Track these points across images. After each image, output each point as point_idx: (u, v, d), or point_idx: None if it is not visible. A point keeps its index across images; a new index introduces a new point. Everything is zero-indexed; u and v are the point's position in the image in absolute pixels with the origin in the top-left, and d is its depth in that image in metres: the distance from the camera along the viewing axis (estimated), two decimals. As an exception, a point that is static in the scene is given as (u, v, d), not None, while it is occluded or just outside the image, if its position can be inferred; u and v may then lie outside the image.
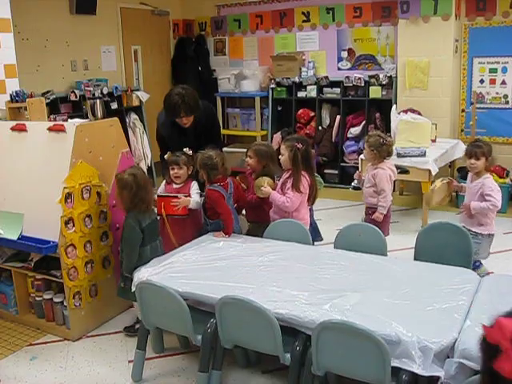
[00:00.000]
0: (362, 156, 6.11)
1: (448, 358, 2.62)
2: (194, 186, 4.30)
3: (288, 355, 2.91)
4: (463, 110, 7.54)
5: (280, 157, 4.27)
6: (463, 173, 7.02)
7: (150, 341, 3.64)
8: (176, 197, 4.15)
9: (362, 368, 2.68)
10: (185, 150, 4.31)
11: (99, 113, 6.91)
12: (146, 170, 7.48)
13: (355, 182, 4.99)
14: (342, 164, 8.12)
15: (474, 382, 2.29)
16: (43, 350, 3.88)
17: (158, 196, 4.23)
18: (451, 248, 3.71)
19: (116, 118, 4.45)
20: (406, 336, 2.64)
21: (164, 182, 4.44)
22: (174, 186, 4.32)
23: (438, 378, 2.59)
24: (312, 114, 8.35)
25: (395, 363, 2.62)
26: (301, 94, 8.37)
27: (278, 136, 8.25)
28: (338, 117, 8.09)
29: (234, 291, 3.09)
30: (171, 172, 4.29)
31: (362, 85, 7.86)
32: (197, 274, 3.43)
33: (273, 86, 8.52)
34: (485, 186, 4.32)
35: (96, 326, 4.16)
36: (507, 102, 7.27)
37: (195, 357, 3.58)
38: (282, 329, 2.87)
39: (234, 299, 2.95)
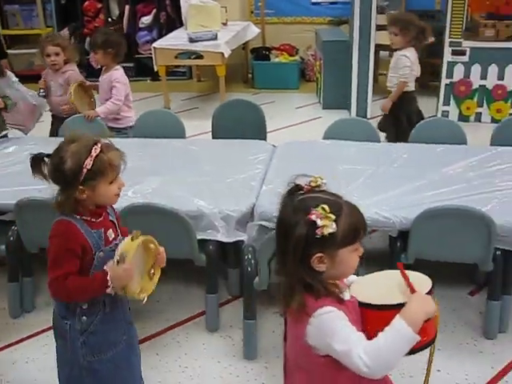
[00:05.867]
0: (154, 44, 5.98)
1: (248, 222, 2.78)
2: None
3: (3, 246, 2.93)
4: (251, -8, 7.62)
5: None
6: (256, 54, 7.23)
7: None
8: None
9: (174, 247, 2.75)
10: None
11: None
12: None
13: None
14: (136, 56, 7.86)
15: (270, 238, 2.47)
16: None
17: None
18: (246, 123, 3.84)
19: None
20: (208, 209, 2.75)
21: None
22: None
23: (243, 242, 2.77)
24: (99, 5, 7.86)
25: (201, 235, 2.74)
26: (83, -16, 7.78)
27: (65, 32, 7.72)
28: (127, 6, 7.73)
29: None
30: None
31: (149, -30, 7.52)
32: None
33: (50, -25, 7.80)
34: (112, 78, 4.10)
35: None
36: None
37: None
38: None
39: (32, 200, 2.80)
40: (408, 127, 3.87)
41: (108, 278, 1.80)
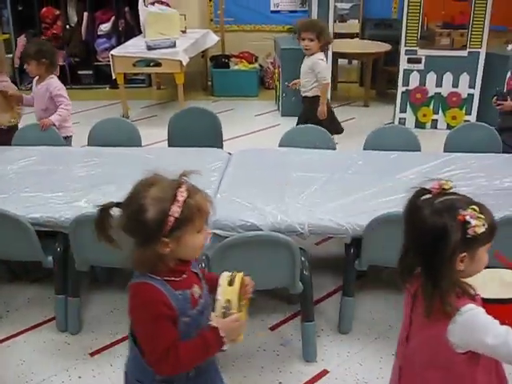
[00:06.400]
0: (112, 52, 5.92)
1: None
2: None
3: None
4: (210, 0, 7.61)
5: None
6: (215, 61, 7.23)
7: None
8: None
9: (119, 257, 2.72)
10: None
11: None
12: None
13: None
14: (95, 63, 7.78)
15: (224, 245, 2.46)
16: None
17: None
18: (202, 131, 3.83)
19: None
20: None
21: None
22: None
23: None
24: (57, 12, 7.76)
25: (155, 245, 2.69)
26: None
27: (22, 39, 7.60)
28: (86, 14, 7.65)
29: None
30: None
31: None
32: None
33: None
34: (51, 87, 4.06)
35: None
36: (249, -10, 7.48)
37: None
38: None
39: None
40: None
41: (222, 334, 1.59)
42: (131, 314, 1.59)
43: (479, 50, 5.58)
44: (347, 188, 3.01)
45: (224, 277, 1.66)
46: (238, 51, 7.30)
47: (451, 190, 1.55)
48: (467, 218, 1.46)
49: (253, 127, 5.21)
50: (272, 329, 2.99)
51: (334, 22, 7.10)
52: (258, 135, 5.51)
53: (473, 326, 1.48)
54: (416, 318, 1.63)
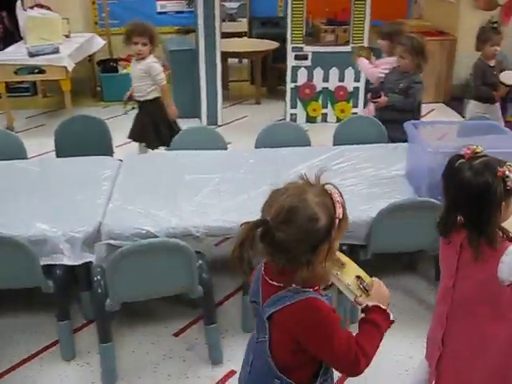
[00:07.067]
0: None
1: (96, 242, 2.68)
2: None
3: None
4: (94, 2, 7.40)
5: None
6: (103, 66, 7.04)
7: None
8: None
9: (17, 276, 2.60)
10: None
11: None
12: None
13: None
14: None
15: (119, 254, 2.39)
16: None
17: None
18: (91, 139, 3.72)
19: None
20: (52, 232, 2.63)
21: None
22: None
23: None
24: None
25: (46, 261, 2.60)
26: None
27: None
28: (-41, 20, 7.21)
29: None
30: None
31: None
32: None
33: None
34: None
35: None
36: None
37: None
38: None
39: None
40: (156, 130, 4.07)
41: (383, 306, 1.59)
42: (309, 332, 1.50)
43: (362, 44, 5.77)
44: (240, 187, 3.03)
45: (342, 263, 1.62)
46: (126, 54, 7.13)
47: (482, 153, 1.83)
48: (506, 172, 1.76)
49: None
50: (176, 335, 2.96)
51: (224, 21, 7.18)
52: (152, 139, 5.41)
53: None
54: (463, 266, 1.89)
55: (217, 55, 5.75)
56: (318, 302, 1.51)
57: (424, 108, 5.46)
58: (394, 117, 3.78)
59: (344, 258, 1.63)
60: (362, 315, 1.62)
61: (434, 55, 6.39)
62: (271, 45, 6.77)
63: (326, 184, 1.51)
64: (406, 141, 3.32)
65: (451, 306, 1.95)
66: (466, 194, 1.80)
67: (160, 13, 7.54)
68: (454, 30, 6.81)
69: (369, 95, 4.06)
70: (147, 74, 4.15)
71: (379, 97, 3.89)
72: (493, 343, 1.90)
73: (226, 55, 6.37)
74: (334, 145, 3.73)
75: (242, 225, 1.48)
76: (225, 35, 6.63)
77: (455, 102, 6.61)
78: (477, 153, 1.83)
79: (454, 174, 1.83)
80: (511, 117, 5.40)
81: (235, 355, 2.77)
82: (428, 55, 3.90)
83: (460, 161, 1.82)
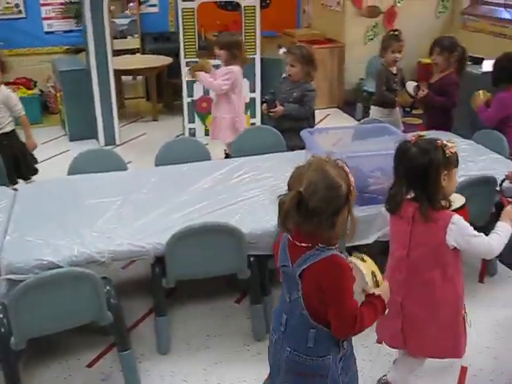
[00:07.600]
0: None
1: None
2: None
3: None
4: (-27, 24, 7.07)
5: None
6: None
7: None
8: None
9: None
10: None
11: None
12: None
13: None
14: None
15: (20, 289, 2.29)
16: None
17: None
18: None
19: None
20: None
21: None
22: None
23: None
24: None
25: None
26: None
27: None
28: None
29: None
30: None
31: None
32: None
33: None
34: None
35: None
36: (20, 12, 7.08)
37: None
38: None
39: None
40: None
41: (385, 300, 1.90)
42: (330, 281, 1.79)
43: (254, 56, 5.86)
44: (143, 208, 2.98)
45: (354, 259, 1.90)
46: (13, 78, 6.85)
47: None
48: (444, 142, 2.15)
49: (41, 156, 4.90)
50: (90, 365, 2.85)
51: (115, 38, 7.06)
52: (48, 164, 5.18)
53: (464, 230, 2.17)
54: (415, 235, 2.22)
55: (110, 73, 5.63)
56: (340, 259, 1.81)
57: (320, 113, 5.64)
58: (291, 125, 3.87)
59: (366, 257, 1.93)
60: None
61: (325, 63, 6.66)
62: (165, 60, 6.73)
63: (336, 159, 1.84)
64: (303, 148, 3.41)
65: (406, 274, 2.27)
66: (414, 165, 2.15)
67: (48, 32, 7.29)
68: (341, 38, 7.07)
69: (264, 106, 4.12)
70: (4, 104, 3.95)
71: (275, 107, 3.97)
72: (444, 305, 2.27)
73: (119, 73, 6.27)
74: (234, 157, 3.76)
75: (280, 200, 1.76)
76: (117, 52, 6.52)
77: (348, 106, 6.89)
78: (421, 136, 2.22)
79: (402, 153, 2.19)
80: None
81: (153, 379, 2.73)
82: (317, 63, 4.02)
83: (409, 144, 2.19)
